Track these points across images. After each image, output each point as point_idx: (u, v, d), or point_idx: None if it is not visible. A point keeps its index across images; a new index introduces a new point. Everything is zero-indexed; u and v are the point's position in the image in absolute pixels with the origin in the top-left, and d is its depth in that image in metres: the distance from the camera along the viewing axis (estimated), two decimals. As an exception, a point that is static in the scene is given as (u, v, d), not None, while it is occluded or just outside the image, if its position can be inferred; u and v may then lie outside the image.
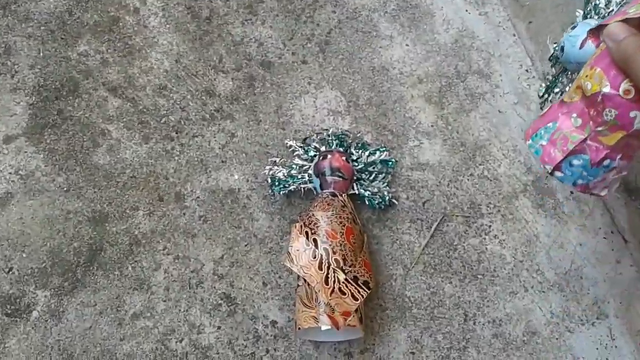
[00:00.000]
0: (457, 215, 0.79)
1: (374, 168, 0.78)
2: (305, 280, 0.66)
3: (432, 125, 0.85)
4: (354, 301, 0.65)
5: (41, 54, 0.86)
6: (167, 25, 0.89)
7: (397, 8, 0.93)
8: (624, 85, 0.44)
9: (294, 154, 0.80)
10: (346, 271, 0.65)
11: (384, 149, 0.79)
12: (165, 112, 0.83)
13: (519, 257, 0.77)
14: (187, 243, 0.76)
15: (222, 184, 0.79)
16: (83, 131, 0.81)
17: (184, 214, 0.77)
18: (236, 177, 0.80)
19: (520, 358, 0.71)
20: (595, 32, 0.53)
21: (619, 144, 0.47)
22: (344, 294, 0.64)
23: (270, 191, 0.78)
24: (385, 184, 0.78)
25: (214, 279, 0.74)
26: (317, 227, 0.68)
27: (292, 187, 0.76)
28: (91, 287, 0.72)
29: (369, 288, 0.66)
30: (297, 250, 0.67)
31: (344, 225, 0.68)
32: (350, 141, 0.81)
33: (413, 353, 0.71)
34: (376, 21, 0.92)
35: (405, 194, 0.80)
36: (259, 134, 0.83)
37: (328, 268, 0.65)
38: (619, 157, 0.48)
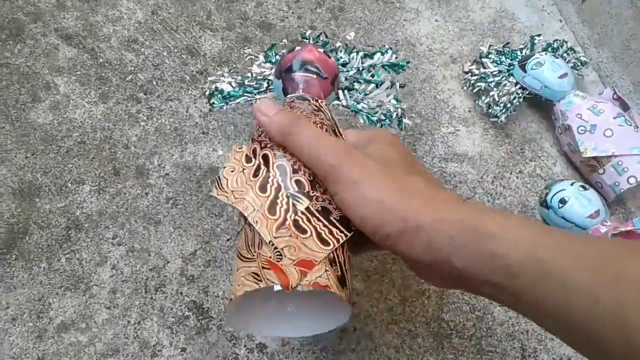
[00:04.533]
0: (505, 220, 0.61)
1: (372, 77, 0.55)
2: (245, 220, 0.37)
3: (469, 111, 0.68)
4: (323, 246, 0.35)
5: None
6: (145, -27, 0.72)
7: (424, -18, 0.78)
8: None
9: (253, 64, 0.58)
10: (313, 196, 0.37)
11: (388, 49, 0.56)
12: (132, 68, 0.64)
13: (586, 277, 0.59)
14: (148, 232, 0.55)
15: (202, 160, 0.60)
16: (21, 82, 0.61)
17: (147, 194, 0.57)
18: (220, 153, 0.61)
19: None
20: None
21: None
22: (304, 231, 0.35)
23: (208, 108, 0.57)
24: (392, 96, 0.55)
25: (181, 281, 0.53)
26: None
27: (240, 100, 0.54)
28: (4, 282, 0.50)
29: (349, 230, 0.37)
30: (232, 170, 0.39)
31: None
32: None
33: (453, 399, 0.51)
34: (399, -8, 0.77)
35: (439, 189, 0.62)
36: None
37: (278, 191, 0.37)
38: None
